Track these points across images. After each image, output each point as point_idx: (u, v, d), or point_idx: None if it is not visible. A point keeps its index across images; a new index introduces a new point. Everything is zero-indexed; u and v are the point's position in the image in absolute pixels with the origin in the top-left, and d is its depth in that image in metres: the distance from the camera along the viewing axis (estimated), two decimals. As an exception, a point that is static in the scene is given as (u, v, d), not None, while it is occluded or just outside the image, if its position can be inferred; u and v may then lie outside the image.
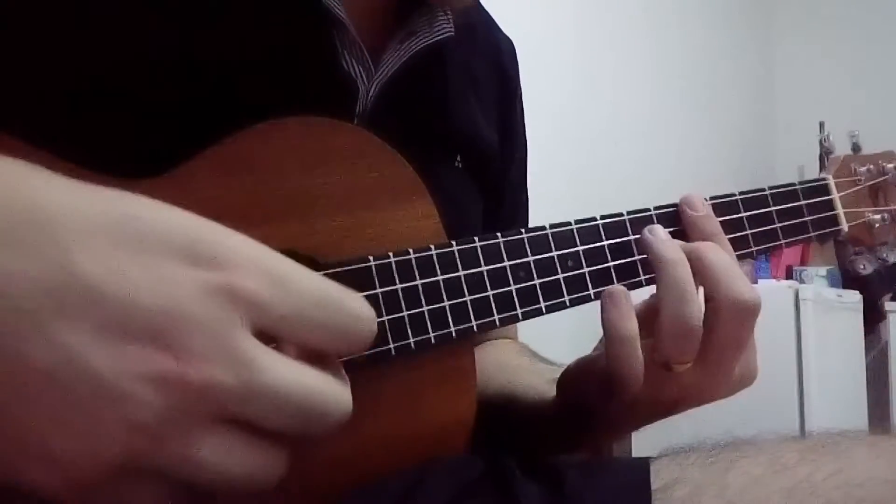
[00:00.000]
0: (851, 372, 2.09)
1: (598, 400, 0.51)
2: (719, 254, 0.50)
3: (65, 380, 0.28)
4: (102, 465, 0.29)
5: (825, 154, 2.11)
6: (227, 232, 0.33)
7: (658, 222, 0.53)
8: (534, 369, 0.64)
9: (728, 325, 0.48)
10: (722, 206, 0.57)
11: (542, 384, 0.59)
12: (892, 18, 3.20)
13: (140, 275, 0.30)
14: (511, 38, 0.73)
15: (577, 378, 0.54)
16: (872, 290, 2.35)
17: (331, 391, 0.33)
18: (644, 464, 0.46)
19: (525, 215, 0.74)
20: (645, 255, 0.52)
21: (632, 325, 0.47)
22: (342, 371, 0.35)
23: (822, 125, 2.61)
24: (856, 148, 0.68)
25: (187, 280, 0.30)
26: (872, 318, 2.32)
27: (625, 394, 0.48)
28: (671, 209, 0.55)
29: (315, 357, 0.34)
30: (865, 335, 2.20)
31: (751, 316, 0.49)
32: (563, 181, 1.97)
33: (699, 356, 0.49)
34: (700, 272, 0.49)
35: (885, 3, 3.22)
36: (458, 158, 0.60)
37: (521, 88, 0.72)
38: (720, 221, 0.55)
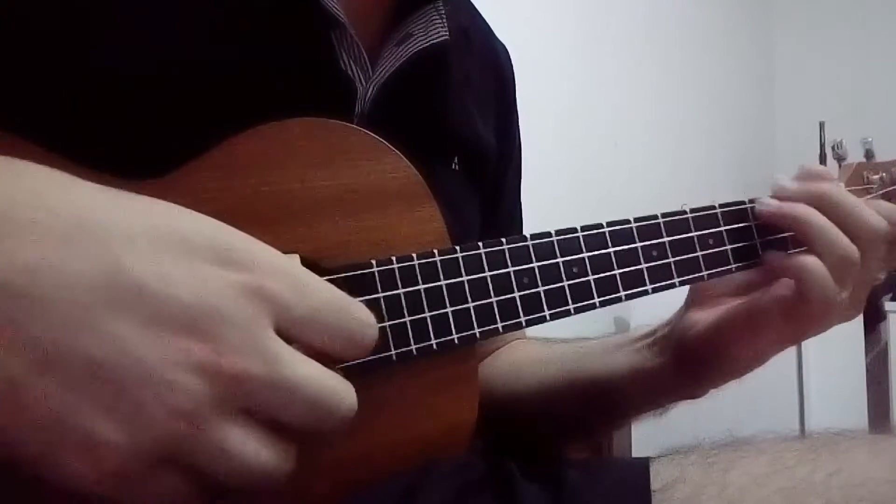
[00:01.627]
0: (851, 372, 2.09)
1: (739, 346, 0.55)
2: (838, 200, 0.54)
3: (114, 368, 0.31)
4: (142, 452, 0.32)
5: (838, 161, 2.11)
6: (251, 238, 0.36)
7: (665, 229, 0.53)
8: (590, 350, 0.65)
9: (868, 252, 0.53)
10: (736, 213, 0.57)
11: (613, 358, 0.62)
12: (892, 18, 3.20)
13: (181, 275, 0.33)
14: (512, 39, 0.74)
15: (707, 333, 0.56)
16: (874, 291, 2.34)
17: (341, 388, 0.36)
18: (644, 464, 0.46)
19: (521, 220, 0.75)
20: (652, 263, 0.52)
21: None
22: (340, 374, 0.37)
23: (822, 125, 2.61)
24: (869, 155, 0.68)
25: (222, 280, 0.34)
26: (872, 318, 2.32)
27: (812, 326, 0.53)
28: (679, 216, 0.54)
29: (320, 358, 0.36)
30: (865, 335, 2.20)
31: (856, 265, 0.53)
32: (564, 181, 1.97)
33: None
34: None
35: (886, 3, 3.21)
36: (456, 160, 0.61)
37: (516, 96, 0.73)
38: (735, 227, 0.56)
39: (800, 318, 0.53)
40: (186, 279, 0.33)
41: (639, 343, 0.61)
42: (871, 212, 0.54)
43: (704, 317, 0.57)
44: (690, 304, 0.59)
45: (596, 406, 0.62)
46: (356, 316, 0.37)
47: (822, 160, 2.38)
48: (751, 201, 0.56)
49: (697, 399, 0.59)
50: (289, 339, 0.35)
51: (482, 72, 0.67)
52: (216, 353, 0.32)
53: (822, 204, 0.53)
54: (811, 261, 0.52)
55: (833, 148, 0.74)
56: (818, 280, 0.52)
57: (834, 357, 1.95)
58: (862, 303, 0.56)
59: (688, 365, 0.57)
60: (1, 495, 0.34)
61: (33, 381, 0.30)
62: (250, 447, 0.33)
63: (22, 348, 0.30)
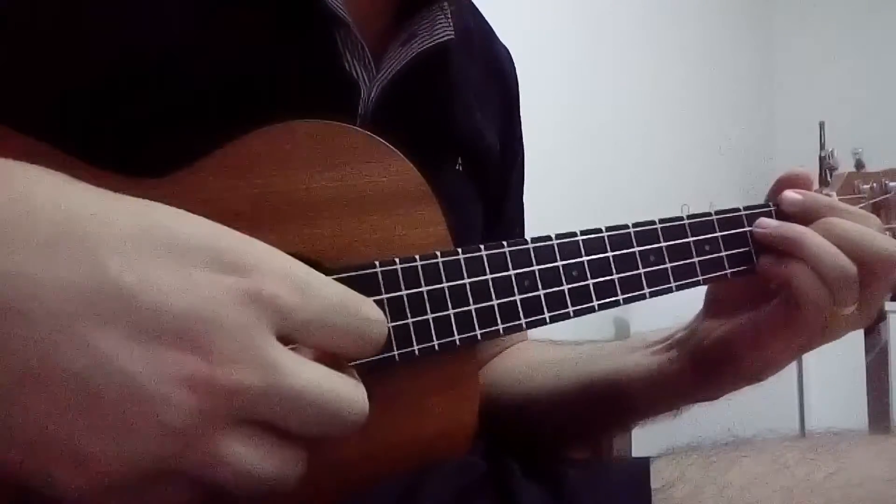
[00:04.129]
0: (851, 372, 2.09)
1: (750, 355, 0.55)
2: (845, 223, 0.54)
3: (96, 382, 0.29)
4: (132, 466, 0.30)
5: (829, 170, 2.11)
6: (251, 240, 0.34)
7: (663, 235, 0.54)
8: (604, 351, 0.66)
9: (880, 276, 0.53)
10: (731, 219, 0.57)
11: (627, 361, 0.62)
12: (892, 18, 3.20)
13: (170, 280, 0.31)
14: (513, 39, 0.74)
15: (721, 342, 0.57)
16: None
17: (349, 393, 0.34)
18: (644, 463, 0.46)
19: (523, 222, 0.75)
20: (650, 267, 0.53)
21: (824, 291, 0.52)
22: (355, 373, 0.36)
23: (822, 125, 2.60)
24: (859, 165, 0.69)
25: (216, 285, 0.32)
26: (872, 318, 2.32)
27: (814, 333, 0.53)
28: (676, 222, 0.55)
29: (330, 360, 0.35)
30: (865, 335, 2.20)
31: (856, 283, 0.52)
32: (564, 182, 1.97)
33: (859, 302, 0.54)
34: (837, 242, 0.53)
35: (886, 3, 3.21)
36: (460, 161, 0.61)
37: (519, 98, 0.73)
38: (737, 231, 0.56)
39: (798, 327, 0.53)
40: (178, 286, 0.31)
41: (654, 347, 0.61)
42: (882, 237, 0.54)
43: (719, 326, 0.57)
44: (707, 311, 0.59)
45: (610, 407, 0.62)
46: (363, 314, 0.36)
47: (822, 160, 2.37)
48: (746, 208, 0.57)
49: (714, 401, 0.60)
50: (294, 343, 0.34)
51: (485, 73, 0.67)
52: (209, 365, 0.30)
53: (829, 233, 0.53)
54: (799, 269, 0.52)
55: (824, 158, 0.74)
56: (807, 287, 0.52)
57: (834, 357, 1.95)
58: (874, 313, 0.56)
59: (704, 371, 0.58)
60: None
61: (16, 394, 0.29)
62: (254, 456, 0.32)
63: (3, 361, 0.29)
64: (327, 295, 0.35)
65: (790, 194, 0.56)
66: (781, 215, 0.56)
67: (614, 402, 0.61)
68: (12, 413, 0.29)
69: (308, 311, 0.33)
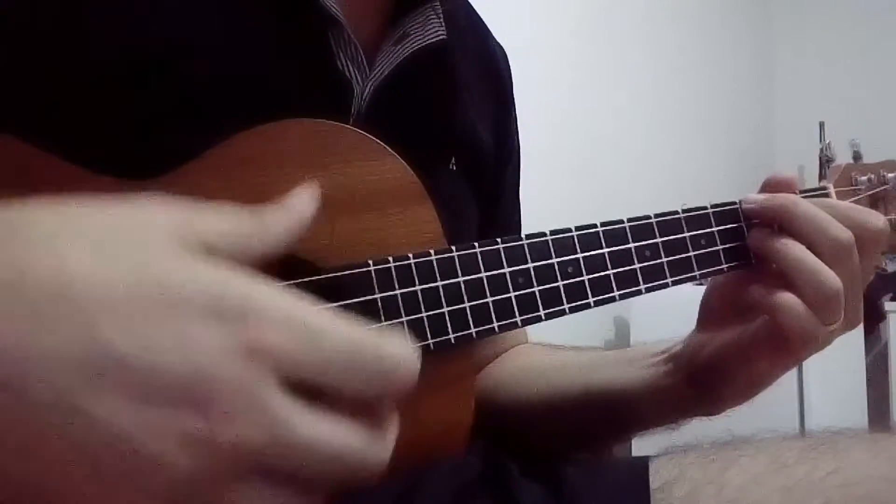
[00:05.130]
0: (851, 372, 2.09)
1: (739, 371, 0.55)
2: (800, 208, 0.53)
3: (95, 450, 0.29)
4: None
5: (827, 162, 2.11)
6: (254, 283, 0.32)
7: (658, 230, 0.53)
8: (603, 360, 0.65)
9: (841, 266, 0.51)
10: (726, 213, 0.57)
11: (626, 372, 0.61)
12: (892, 19, 3.20)
13: (166, 340, 0.30)
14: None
15: (713, 357, 0.56)
16: (872, 291, 2.35)
17: (364, 443, 0.33)
18: (643, 463, 0.46)
19: (519, 220, 0.74)
20: (645, 263, 0.52)
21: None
22: (385, 413, 0.34)
23: (822, 125, 2.60)
24: (857, 157, 0.68)
25: (214, 340, 0.30)
26: (872, 318, 2.32)
27: (799, 352, 0.52)
28: (671, 217, 0.54)
29: (355, 404, 0.33)
30: (865, 335, 2.20)
31: (851, 250, 0.52)
32: (564, 182, 1.97)
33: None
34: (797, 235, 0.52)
35: (885, 3, 3.22)
36: (453, 161, 0.61)
37: (514, 97, 0.73)
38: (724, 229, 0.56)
39: (783, 350, 0.53)
40: (173, 343, 0.29)
41: (653, 359, 0.61)
42: (834, 222, 0.52)
43: (710, 340, 0.57)
44: (700, 325, 0.59)
45: (608, 416, 0.62)
46: (382, 353, 0.33)
47: (822, 160, 2.37)
48: (742, 201, 0.56)
49: (713, 416, 0.59)
50: (311, 389, 0.32)
51: (479, 72, 0.67)
52: (208, 422, 0.29)
53: (782, 219, 0.53)
54: (786, 298, 0.51)
55: (822, 150, 0.74)
56: (794, 317, 0.51)
57: (834, 357, 1.95)
58: (859, 312, 0.55)
59: (699, 385, 0.57)
60: None
61: (16, 470, 0.28)
62: (269, 500, 0.31)
63: (1, 437, 0.28)
64: (339, 339, 0.32)
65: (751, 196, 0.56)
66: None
67: (613, 413, 0.61)
68: (15, 487, 0.29)
69: (315, 360, 0.31)
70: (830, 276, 0.50)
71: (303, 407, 0.31)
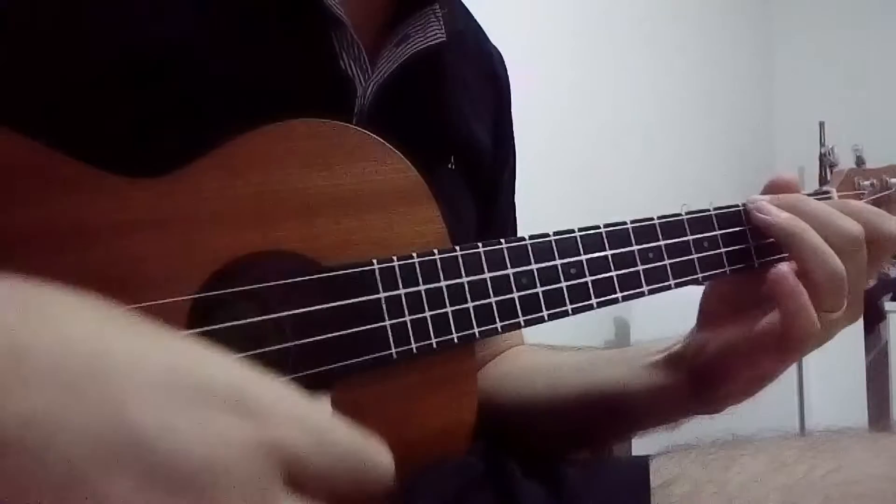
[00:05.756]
0: (851, 371, 2.09)
1: (742, 369, 0.55)
2: (810, 204, 0.53)
3: None
4: None
5: (829, 167, 2.11)
6: (269, 384, 0.34)
7: (661, 232, 0.53)
8: (602, 360, 0.65)
9: (849, 258, 0.52)
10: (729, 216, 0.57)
11: (626, 371, 0.61)
12: (891, 19, 3.20)
13: (190, 429, 0.30)
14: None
15: (714, 356, 0.56)
16: (873, 291, 2.35)
17: None
18: (644, 462, 0.46)
19: (515, 221, 0.75)
20: (648, 265, 0.52)
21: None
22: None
23: (822, 125, 2.61)
24: (859, 161, 0.69)
25: (234, 435, 0.31)
26: (872, 318, 2.32)
27: (803, 347, 0.52)
28: (674, 219, 0.54)
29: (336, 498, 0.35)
30: (865, 335, 2.20)
31: (860, 244, 0.52)
32: (564, 182, 1.97)
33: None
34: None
35: (885, 3, 3.22)
36: (452, 160, 0.61)
37: (510, 100, 0.73)
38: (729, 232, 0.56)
39: (785, 345, 0.53)
40: (196, 433, 0.30)
41: (652, 358, 0.61)
42: (845, 217, 0.53)
43: (712, 339, 0.57)
44: (700, 324, 0.59)
45: (608, 416, 0.62)
46: (373, 461, 0.35)
47: (822, 161, 2.37)
48: (745, 205, 0.56)
49: (713, 414, 0.59)
50: (302, 488, 0.33)
51: (477, 74, 0.67)
52: None
53: (792, 213, 0.53)
54: (791, 276, 0.51)
55: (825, 155, 0.74)
56: (799, 310, 0.51)
57: (834, 357, 1.95)
58: (860, 307, 0.55)
59: (700, 384, 0.57)
60: None
61: None
62: None
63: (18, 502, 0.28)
64: (339, 442, 0.34)
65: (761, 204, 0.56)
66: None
67: (612, 412, 0.61)
68: None
69: (322, 463, 0.33)
70: (836, 260, 0.51)
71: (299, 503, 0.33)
